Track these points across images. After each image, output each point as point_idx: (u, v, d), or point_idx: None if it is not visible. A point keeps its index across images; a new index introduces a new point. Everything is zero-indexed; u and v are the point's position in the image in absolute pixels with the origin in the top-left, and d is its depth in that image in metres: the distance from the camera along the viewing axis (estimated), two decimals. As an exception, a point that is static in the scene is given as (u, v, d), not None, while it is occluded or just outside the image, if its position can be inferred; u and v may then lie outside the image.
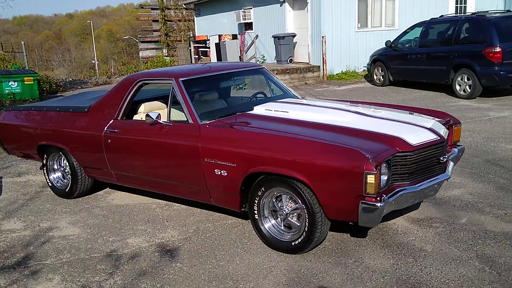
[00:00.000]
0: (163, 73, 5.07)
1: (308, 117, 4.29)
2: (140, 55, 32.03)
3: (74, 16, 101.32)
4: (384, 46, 12.99)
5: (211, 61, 18.37)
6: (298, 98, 5.28)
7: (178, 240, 4.39)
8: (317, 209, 3.68)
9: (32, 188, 6.17)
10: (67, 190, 5.59)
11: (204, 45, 20.12)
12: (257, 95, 5.26)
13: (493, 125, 7.98)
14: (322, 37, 14.45)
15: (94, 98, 5.69)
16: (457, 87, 10.59)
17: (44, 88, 16.54)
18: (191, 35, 24.35)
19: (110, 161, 5.02)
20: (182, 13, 27.93)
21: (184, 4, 24.51)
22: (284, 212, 3.96)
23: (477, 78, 10.08)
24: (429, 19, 12.02)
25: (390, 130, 3.86)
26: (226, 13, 19.64)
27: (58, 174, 5.78)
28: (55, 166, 5.78)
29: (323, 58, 14.61)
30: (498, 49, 9.71)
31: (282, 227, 4.04)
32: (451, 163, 4.26)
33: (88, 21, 70.04)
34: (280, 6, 16.19)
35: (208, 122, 4.34)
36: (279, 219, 4.05)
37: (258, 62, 16.24)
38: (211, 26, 21.01)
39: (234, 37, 18.09)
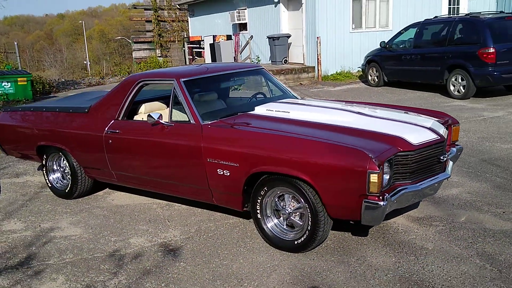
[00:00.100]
0: (164, 73, 5.09)
1: (309, 117, 4.33)
2: (133, 55, 31.94)
3: (65, 16, 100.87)
4: (379, 46, 13.08)
5: (206, 62, 18.37)
6: (298, 99, 5.32)
7: (181, 239, 4.41)
8: (320, 208, 3.72)
9: (31, 189, 6.16)
10: (67, 191, 5.59)
11: (198, 45, 20.13)
12: (257, 96, 5.29)
13: (487, 125, 8.07)
14: (317, 37, 14.52)
15: (94, 99, 5.70)
16: (451, 88, 10.69)
17: (37, 89, 16.48)
18: (185, 36, 24.33)
19: (111, 161, 5.03)
20: (176, 13, 27.89)
21: (178, 5, 24.50)
22: (287, 211, 3.99)
23: (471, 79, 10.18)
24: (423, 20, 12.13)
25: (391, 129, 3.91)
26: (220, 14, 19.66)
27: (58, 174, 5.78)
28: (55, 167, 5.77)
29: (317, 59, 14.67)
30: (491, 50, 9.81)
31: (285, 226, 4.08)
32: (451, 162, 4.32)
33: (80, 22, 69.81)
34: (275, 6, 16.24)
35: (210, 123, 4.37)
36: (281, 218, 4.08)
37: (253, 63, 16.26)
38: (205, 26, 21.02)
39: (229, 37, 18.11)
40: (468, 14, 11.05)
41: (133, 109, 5.21)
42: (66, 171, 5.64)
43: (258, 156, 3.90)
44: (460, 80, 10.46)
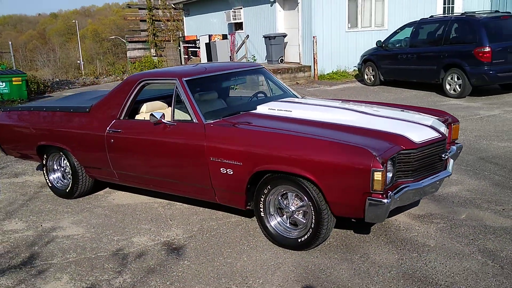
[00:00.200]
0: (166, 73, 5.10)
1: (311, 116, 4.35)
2: (127, 55, 31.82)
3: (58, 16, 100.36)
4: (375, 46, 13.14)
5: (201, 61, 18.37)
6: (298, 98, 5.35)
7: (183, 238, 4.43)
8: (323, 206, 3.75)
9: (31, 189, 6.15)
10: (67, 190, 5.59)
11: (194, 45, 20.11)
12: (258, 95, 5.31)
13: (484, 124, 8.13)
14: (313, 37, 14.56)
15: (94, 98, 5.70)
16: (447, 87, 10.76)
17: (32, 89, 16.42)
18: (180, 35, 24.30)
19: (113, 160, 5.04)
20: (171, 13, 27.84)
21: (173, 4, 24.45)
22: (290, 209, 4.02)
23: (467, 78, 10.25)
24: (419, 19, 12.19)
25: (393, 128, 3.95)
26: (215, 13, 19.66)
27: (58, 174, 5.77)
28: (55, 167, 5.77)
29: (314, 58, 14.71)
30: (487, 49, 9.88)
31: (288, 225, 4.10)
32: (451, 160, 4.36)
33: (74, 21, 69.49)
34: (271, 6, 16.26)
35: (212, 122, 4.39)
36: (284, 216, 4.11)
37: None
38: (201, 26, 21.01)
39: (224, 37, 18.12)
40: (464, 13, 11.12)
41: (134, 109, 5.22)
42: (66, 170, 5.63)
43: (262, 154, 3.93)
44: (456, 79, 10.54)
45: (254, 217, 4.68)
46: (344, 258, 3.85)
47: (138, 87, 4.96)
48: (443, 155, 4.04)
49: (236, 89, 6.11)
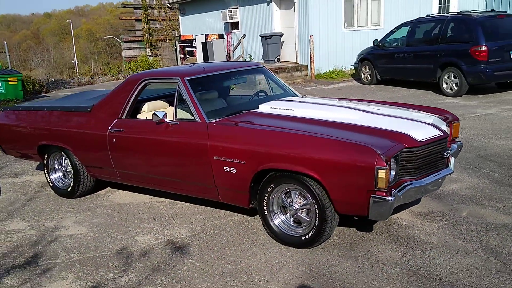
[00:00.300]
0: (168, 72, 5.11)
1: (313, 114, 4.38)
2: (123, 54, 31.80)
3: (52, 16, 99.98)
4: (371, 45, 13.18)
5: (198, 61, 18.36)
6: (299, 97, 5.37)
7: (187, 237, 4.44)
8: (327, 204, 3.78)
9: (31, 188, 6.15)
10: (69, 190, 5.59)
11: (190, 44, 20.09)
12: (259, 94, 5.33)
13: (481, 122, 8.19)
14: (310, 36, 14.59)
15: (95, 98, 5.70)
16: (444, 85, 10.82)
17: (28, 89, 16.36)
18: (176, 35, 24.28)
19: (115, 160, 5.04)
20: (166, 12, 27.82)
21: (169, 4, 24.43)
22: (294, 207, 4.04)
23: (464, 76, 10.31)
24: (415, 18, 12.24)
25: (396, 126, 3.98)
26: (212, 13, 19.66)
27: (59, 174, 5.77)
28: (56, 166, 5.76)
29: (310, 57, 14.75)
30: (484, 48, 9.95)
31: (291, 223, 4.13)
32: (453, 158, 4.40)
33: (68, 21, 69.22)
34: (267, 5, 16.28)
35: (215, 121, 4.40)
36: (288, 214, 4.13)
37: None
38: (197, 25, 21.00)
39: (221, 36, 18.11)
40: (460, 12, 11.17)
41: (136, 108, 5.23)
42: (68, 170, 5.63)
43: (266, 153, 3.95)
44: (452, 78, 10.60)
45: (257, 215, 4.72)
46: (348, 255, 3.88)
47: (140, 87, 4.97)
48: (445, 153, 4.08)
49: (233, 88, 6.13)
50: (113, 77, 21.31)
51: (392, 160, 3.59)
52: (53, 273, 3.91)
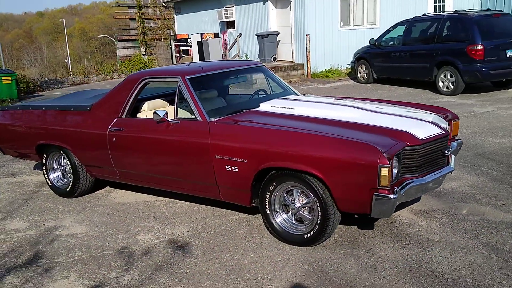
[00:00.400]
0: (168, 71, 5.10)
1: (314, 113, 4.39)
2: (117, 54, 31.66)
3: (44, 15, 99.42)
4: (367, 44, 13.21)
5: (193, 60, 18.33)
6: (299, 95, 5.37)
7: (188, 236, 4.44)
8: (329, 202, 3.79)
9: (29, 188, 6.12)
10: (68, 189, 5.57)
11: (185, 43, 20.06)
12: (259, 93, 5.33)
13: (478, 120, 8.24)
14: (306, 35, 14.61)
15: (94, 97, 5.69)
16: (440, 84, 10.86)
17: (22, 88, 16.27)
18: (171, 34, 24.23)
19: (115, 159, 5.03)
20: (161, 11, 27.74)
21: (164, 3, 24.36)
22: (296, 206, 4.05)
23: (460, 75, 10.36)
24: (411, 17, 12.28)
25: (397, 125, 4.00)
26: (207, 11, 19.63)
27: (58, 173, 5.75)
28: (55, 166, 5.74)
29: (307, 56, 14.76)
30: (480, 47, 10.00)
31: (293, 221, 4.13)
32: (453, 156, 4.42)
33: (61, 19, 68.89)
34: (263, 4, 16.28)
35: (216, 119, 4.40)
36: (290, 213, 4.14)
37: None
38: (192, 24, 20.97)
39: (216, 35, 18.10)
40: (456, 11, 11.22)
41: (135, 107, 5.21)
42: (67, 169, 5.61)
43: (268, 152, 3.95)
44: (449, 77, 10.64)
45: (257, 214, 4.73)
46: (350, 253, 3.90)
47: (140, 85, 4.95)
48: (445, 151, 4.11)
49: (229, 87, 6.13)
50: (108, 76, 21.24)
51: (395, 158, 3.61)
52: (55, 272, 3.90)
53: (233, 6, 17.80)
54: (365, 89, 12.40)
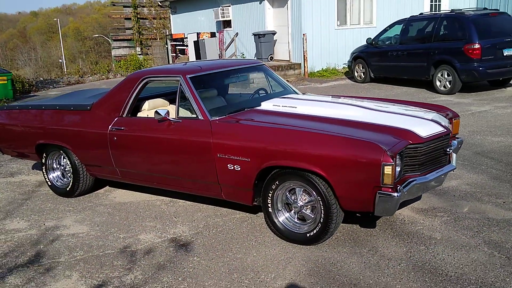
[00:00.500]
0: (170, 70, 5.08)
1: (316, 112, 4.39)
2: (112, 53, 31.51)
3: (39, 14, 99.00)
4: (364, 43, 13.24)
5: (190, 60, 18.30)
6: (300, 94, 5.37)
7: (190, 235, 4.43)
8: (332, 200, 3.79)
9: (29, 188, 6.09)
10: (68, 189, 5.55)
11: (181, 43, 20.02)
12: (259, 91, 5.33)
13: (476, 119, 8.27)
14: (303, 34, 14.61)
15: (94, 96, 5.67)
16: (438, 83, 10.89)
17: (17, 88, 16.20)
18: (167, 33, 24.17)
19: (116, 158, 5.01)
20: (157, 10, 27.66)
21: (159, 2, 24.29)
22: (298, 204, 4.05)
23: (457, 74, 10.40)
24: (408, 16, 12.30)
25: (399, 123, 4.00)
26: (203, 11, 19.61)
27: (58, 173, 5.72)
28: (55, 165, 5.72)
29: (304, 56, 14.77)
30: (477, 46, 10.03)
31: (296, 220, 4.13)
32: (454, 155, 4.43)
33: (55, 19, 68.60)
34: (260, 3, 16.28)
35: (218, 118, 4.39)
36: (292, 211, 4.14)
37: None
38: (188, 23, 20.93)
39: (213, 35, 18.07)
40: (453, 10, 11.26)
41: (135, 107, 5.19)
42: (66, 169, 5.59)
43: (270, 150, 3.95)
44: (446, 76, 10.68)
45: (259, 212, 4.73)
46: (353, 251, 3.90)
47: (141, 84, 4.94)
48: (447, 149, 4.12)
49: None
50: (103, 76, 21.18)
51: (398, 156, 3.61)
52: (57, 272, 3.89)
53: (229, 6, 17.78)
54: (362, 88, 12.42)
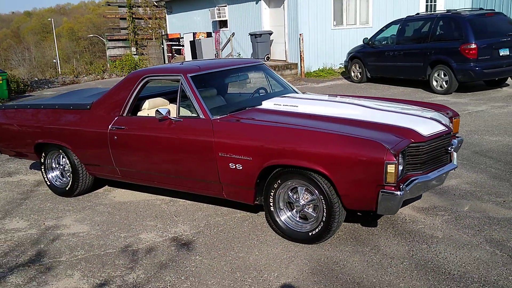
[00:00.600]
0: (170, 69, 5.07)
1: (318, 111, 4.39)
2: (107, 53, 31.43)
3: (32, 14, 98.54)
4: (360, 43, 13.26)
5: (186, 60, 18.28)
6: (300, 93, 5.38)
7: (191, 234, 4.42)
8: (335, 199, 3.79)
9: (27, 188, 6.06)
10: (67, 189, 5.52)
11: (177, 43, 19.98)
12: (260, 91, 5.33)
13: (473, 119, 8.30)
14: (300, 34, 14.62)
15: (93, 95, 5.65)
16: (434, 83, 10.93)
17: (12, 88, 16.12)
18: (163, 33, 24.13)
19: (116, 158, 4.99)
20: (152, 10, 27.62)
21: (155, 2, 24.25)
22: (300, 203, 4.05)
23: (454, 74, 10.44)
24: (405, 16, 12.34)
25: (401, 122, 4.01)
26: (199, 11, 19.58)
27: (57, 172, 5.70)
28: (54, 165, 5.69)
29: (300, 56, 14.78)
30: (473, 46, 10.07)
31: (298, 218, 4.13)
32: (455, 153, 4.44)
33: (49, 19, 68.30)
34: (256, 3, 16.28)
35: (219, 117, 4.39)
36: (294, 210, 4.14)
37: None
38: (184, 23, 20.89)
39: (209, 35, 18.06)
40: (449, 10, 11.30)
41: (136, 106, 5.18)
42: (66, 168, 5.57)
43: (272, 149, 3.95)
44: (442, 76, 10.71)
45: (260, 212, 4.73)
46: (355, 250, 3.91)
47: (141, 84, 4.93)
48: (449, 148, 4.13)
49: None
50: (98, 76, 21.12)
51: (400, 155, 3.62)
52: (59, 271, 3.87)
53: (225, 6, 17.77)
54: (359, 88, 12.44)
